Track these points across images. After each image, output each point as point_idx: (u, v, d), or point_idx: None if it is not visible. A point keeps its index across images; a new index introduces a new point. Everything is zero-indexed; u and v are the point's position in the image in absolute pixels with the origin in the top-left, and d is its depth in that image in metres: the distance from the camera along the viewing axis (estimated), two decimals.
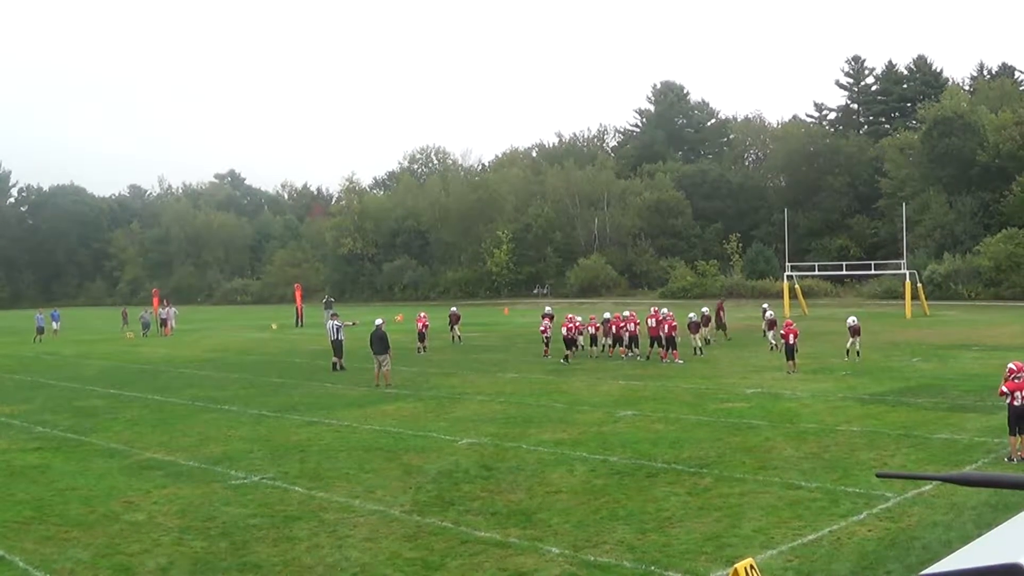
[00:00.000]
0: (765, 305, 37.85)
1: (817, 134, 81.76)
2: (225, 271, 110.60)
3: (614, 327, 29.44)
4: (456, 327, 37.06)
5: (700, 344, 29.36)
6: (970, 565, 1.77)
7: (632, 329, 28.65)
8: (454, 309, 38.69)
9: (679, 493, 11.31)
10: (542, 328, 30.60)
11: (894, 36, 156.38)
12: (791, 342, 23.33)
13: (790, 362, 23.39)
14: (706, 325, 31.09)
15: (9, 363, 34.34)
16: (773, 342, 29.31)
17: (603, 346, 30.04)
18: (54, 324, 50.12)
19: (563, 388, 21.95)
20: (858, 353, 25.83)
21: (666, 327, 27.06)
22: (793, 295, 51.21)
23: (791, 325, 24.26)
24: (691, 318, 29.59)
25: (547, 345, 29.74)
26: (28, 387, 25.98)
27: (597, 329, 30.04)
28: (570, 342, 28.22)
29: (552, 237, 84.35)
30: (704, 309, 32.08)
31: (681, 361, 26.66)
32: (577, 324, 29.78)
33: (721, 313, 35.55)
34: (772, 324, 30.79)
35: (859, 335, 26.10)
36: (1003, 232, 58.28)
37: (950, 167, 65.28)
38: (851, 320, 26.47)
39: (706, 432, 15.40)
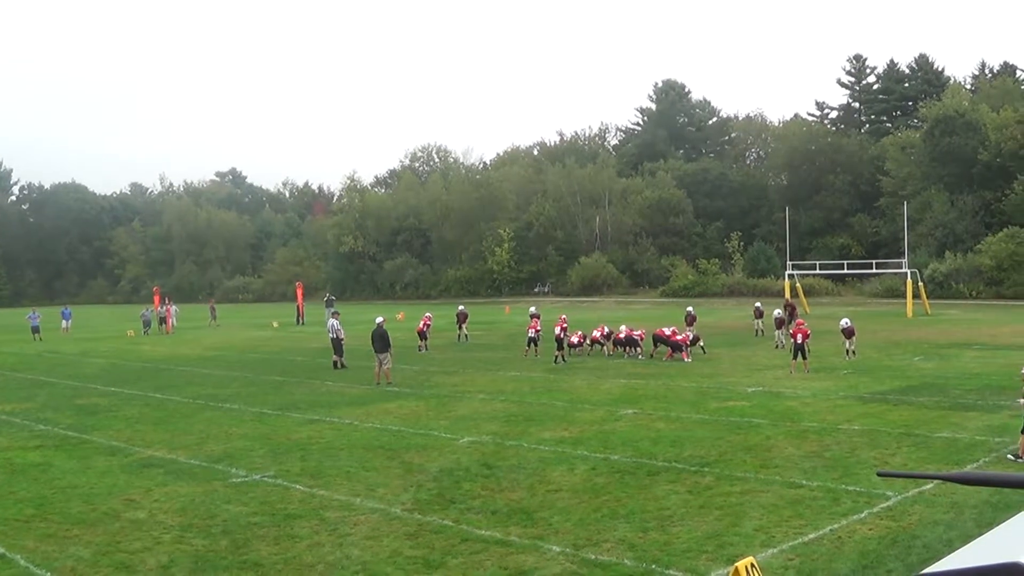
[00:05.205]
0: (758, 304, 37.91)
1: (818, 133, 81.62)
2: (226, 269, 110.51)
3: (619, 336, 29.37)
4: (464, 326, 37.04)
5: (702, 343, 29.41)
6: (971, 564, 1.76)
7: (636, 339, 28.72)
8: (462, 307, 38.56)
9: (680, 492, 11.30)
10: (536, 328, 30.18)
11: (896, 35, 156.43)
12: (799, 342, 23.23)
13: (794, 361, 23.32)
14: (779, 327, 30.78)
15: (10, 361, 34.38)
16: (783, 340, 29.32)
17: (606, 349, 29.82)
18: (64, 322, 50.18)
19: (564, 387, 21.93)
20: (854, 352, 25.86)
21: (678, 336, 27.63)
22: (794, 294, 51.16)
23: (802, 325, 24.18)
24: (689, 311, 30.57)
25: (531, 345, 29.47)
26: (29, 385, 26.00)
27: (603, 335, 29.92)
28: (561, 342, 27.90)
29: (553, 235, 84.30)
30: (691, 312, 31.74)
31: (689, 359, 26.65)
32: (580, 335, 29.80)
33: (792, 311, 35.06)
34: (781, 323, 30.81)
35: (853, 335, 26.11)
36: (1004, 231, 58.19)
37: (951, 166, 65.23)
38: (844, 322, 26.48)
39: (707, 431, 15.40)
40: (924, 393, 19.00)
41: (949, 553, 2.00)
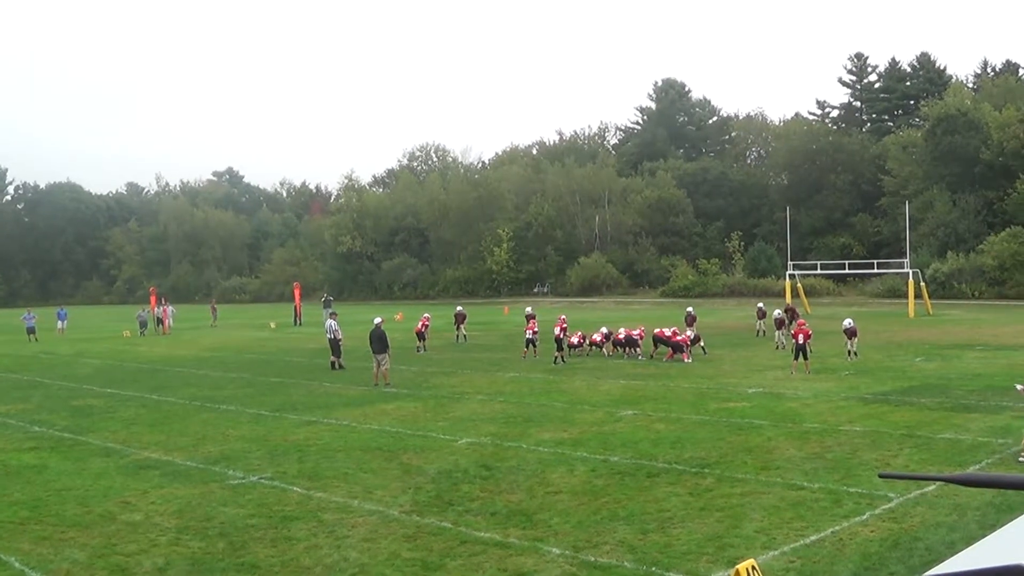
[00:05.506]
0: (761, 304, 37.95)
1: (820, 132, 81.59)
2: (223, 270, 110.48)
3: (619, 337, 29.32)
4: (462, 326, 36.98)
5: (702, 343, 29.39)
6: (973, 566, 1.74)
7: (636, 339, 28.67)
8: (460, 308, 38.53)
9: (680, 493, 11.23)
10: (534, 329, 30.18)
11: (897, 33, 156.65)
12: (800, 342, 23.13)
13: (795, 362, 23.24)
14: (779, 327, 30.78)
15: (6, 362, 34.32)
16: (784, 341, 29.30)
17: (606, 350, 29.77)
18: (59, 323, 50.16)
19: (563, 387, 21.87)
20: (856, 353, 25.82)
21: (678, 337, 27.57)
22: (795, 294, 51.14)
23: (803, 325, 24.12)
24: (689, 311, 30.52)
25: (529, 346, 29.39)
26: (25, 386, 25.94)
27: (603, 338, 29.88)
28: (560, 343, 27.77)
29: (552, 235, 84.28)
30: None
31: (689, 360, 26.60)
32: (580, 335, 29.82)
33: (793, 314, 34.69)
34: (781, 323, 30.76)
35: (855, 336, 26.07)
36: (1007, 231, 58.16)
37: (953, 165, 65.20)
38: (847, 322, 26.49)
39: (707, 432, 15.33)
40: (926, 394, 18.94)
41: (951, 555, 1.99)
